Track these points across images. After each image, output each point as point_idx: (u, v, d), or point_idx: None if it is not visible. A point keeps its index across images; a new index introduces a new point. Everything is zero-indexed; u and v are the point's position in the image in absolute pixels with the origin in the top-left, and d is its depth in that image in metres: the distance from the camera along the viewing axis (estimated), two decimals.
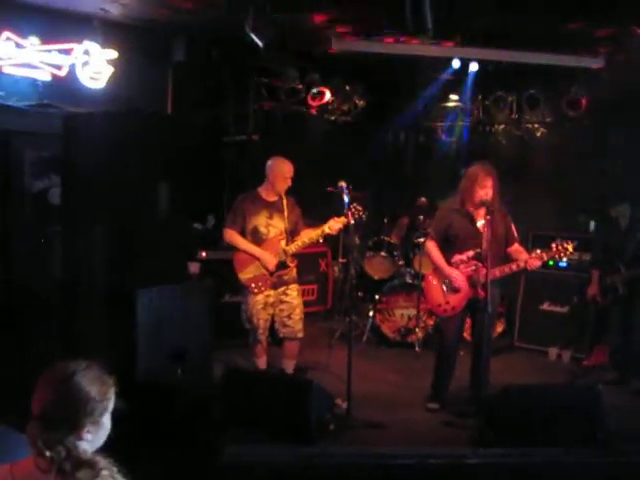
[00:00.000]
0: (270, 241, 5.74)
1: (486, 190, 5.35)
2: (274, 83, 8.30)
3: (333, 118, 9.20)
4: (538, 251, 5.42)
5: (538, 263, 5.38)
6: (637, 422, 5.41)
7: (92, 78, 6.58)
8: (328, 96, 8.64)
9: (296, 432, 4.75)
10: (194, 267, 6.04)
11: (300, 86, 8.26)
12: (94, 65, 6.53)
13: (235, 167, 8.36)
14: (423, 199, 8.52)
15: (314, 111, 8.87)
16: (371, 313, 7.79)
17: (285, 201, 5.83)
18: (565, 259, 5.49)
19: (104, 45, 6.50)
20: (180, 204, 6.83)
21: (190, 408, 5.00)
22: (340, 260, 8.72)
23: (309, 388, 4.89)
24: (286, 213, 5.80)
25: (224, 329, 6.42)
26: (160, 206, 5.90)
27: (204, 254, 6.99)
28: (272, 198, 5.83)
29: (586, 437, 4.76)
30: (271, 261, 5.70)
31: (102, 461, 2.11)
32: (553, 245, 5.37)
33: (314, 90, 8.49)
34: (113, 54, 6.58)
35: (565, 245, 5.33)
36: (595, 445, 4.72)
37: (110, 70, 6.64)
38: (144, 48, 6.93)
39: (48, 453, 2.04)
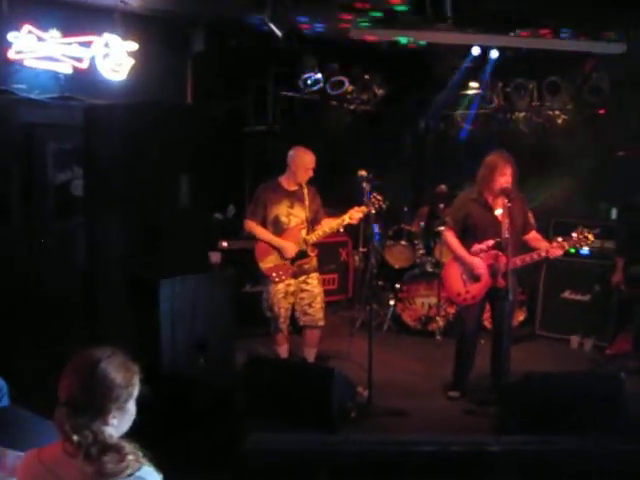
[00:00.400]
0: (291, 230, 5.77)
1: (506, 178, 5.35)
2: (293, 72, 8.29)
3: (352, 107, 9.18)
4: (559, 239, 5.41)
5: (560, 252, 5.36)
6: None
7: (113, 70, 6.63)
8: (347, 85, 8.62)
9: (318, 420, 4.79)
10: (215, 257, 6.08)
11: (319, 75, 8.24)
12: (115, 57, 6.58)
13: (255, 157, 8.39)
14: (443, 187, 8.49)
15: (333, 100, 8.86)
16: (392, 302, 7.81)
17: (306, 190, 5.86)
18: (586, 247, 5.44)
19: (124, 37, 6.54)
20: (201, 194, 6.88)
21: (213, 397, 5.06)
22: (361, 249, 8.72)
23: (331, 376, 4.92)
24: (307, 202, 5.83)
25: (245, 318, 6.45)
26: (181, 196, 5.94)
27: (225, 244, 7.02)
28: (293, 187, 5.85)
29: (608, 425, 4.75)
30: (291, 249, 5.72)
31: (128, 446, 2.16)
32: (574, 234, 5.36)
33: (333, 79, 8.47)
34: (133, 46, 6.62)
35: (586, 234, 5.32)
36: (617, 433, 4.72)
37: (130, 62, 6.69)
38: (163, 39, 6.98)
39: (75, 438, 2.09)
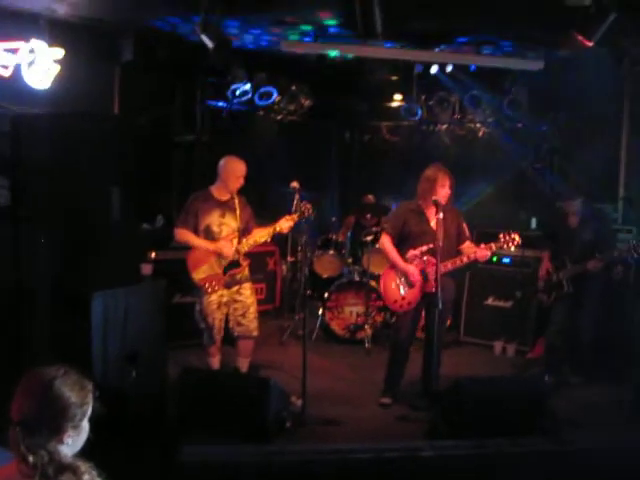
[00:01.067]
0: (223, 240, 5.77)
1: (446, 189, 5.55)
2: (221, 82, 8.30)
3: (280, 117, 9.25)
4: (483, 245, 5.61)
5: (488, 253, 5.59)
6: (579, 411, 5.63)
7: (38, 77, 6.47)
8: (275, 96, 8.69)
9: (253, 430, 4.80)
10: (147, 268, 6.01)
11: (248, 86, 8.28)
12: (40, 64, 6.42)
13: (183, 167, 8.34)
14: (370, 197, 8.67)
15: (261, 111, 8.91)
16: (320, 311, 7.88)
17: (237, 200, 5.87)
18: (513, 248, 5.68)
19: (51, 44, 6.39)
20: (130, 205, 6.80)
21: (146, 410, 5.01)
22: (288, 259, 8.79)
23: (267, 386, 4.95)
24: (238, 212, 5.84)
25: (175, 329, 6.39)
26: (111, 207, 5.86)
27: (154, 255, 6.94)
28: (224, 197, 5.85)
29: (535, 427, 4.96)
30: (228, 249, 5.71)
31: (83, 465, 2.15)
32: (501, 236, 5.60)
33: (261, 90, 8.52)
34: (60, 53, 6.48)
35: (512, 235, 5.58)
36: (543, 434, 4.93)
37: (57, 69, 6.54)
38: (92, 47, 6.86)
39: (31, 458, 2.07)
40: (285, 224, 5.77)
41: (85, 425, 2.25)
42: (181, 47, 7.26)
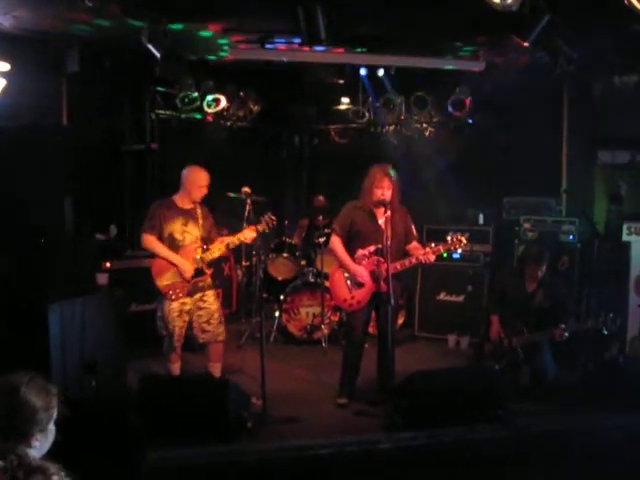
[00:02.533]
0: (186, 248, 5.83)
1: (383, 190, 5.67)
2: (170, 91, 8.35)
3: (229, 124, 9.33)
4: (433, 245, 5.75)
5: (432, 257, 5.68)
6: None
7: None
8: (224, 102, 8.75)
9: (215, 432, 4.88)
10: (102, 278, 6.06)
11: (196, 94, 8.34)
12: None
13: (135, 176, 8.35)
14: (321, 198, 8.80)
15: (211, 118, 8.97)
16: (277, 313, 7.99)
17: (199, 209, 5.95)
18: (460, 250, 5.82)
19: None
20: (83, 215, 6.83)
21: (108, 418, 5.04)
22: (243, 263, 8.87)
23: (226, 388, 5.04)
24: (200, 221, 5.92)
25: (133, 338, 6.41)
26: (64, 218, 5.88)
27: (109, 264, 6.96)
28: (187, 206, 5.92)
29: (488, 415, 5.15)
30: (189, 269, 5.78)
31: (52, 467, 2.22)
32: (448, 238, 5.75)
33: (209, 97, 8.58)
34: (5, 66, 6.46)
35: (459, 237, 5.71)
36: (497, 421, 5.12)
37: (3, 83, 6.52)
38: (37, 60, 6.83)
39: (1, 463, 2.13)
40: (249, 234, 5.86)
41: (52, 428, 2.32)
42: (128, 57, 7.28)
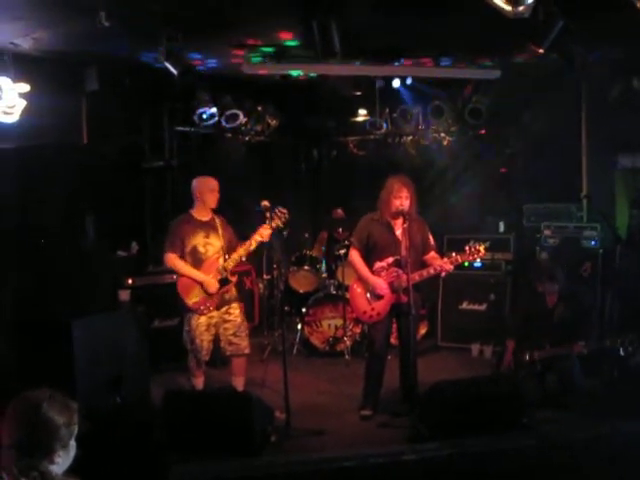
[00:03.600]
0: (209, 260, 5.86)
1: (401, 200, 5.66)
2: (188, 108, 8.42)
3: (248, 139, 9.38)
4: (453, 254, 5.74)
5: (450, 267, 5.69)
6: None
7: (5, 112, 6.51)
8: (241, 117, 8.81)
9: (240, 446, 4.88)
10: (124, 294, 6.11)
11: (214, 109, 8.40)
12: (7, 99, 6.47)
13: (155, 192, 8.42)
14: (339, 211, 8.81)
15: (229, 133, 9.03)
16: (299, 326, 7.99)
17: (218, 220, 5.99)
18: (478, 259, 5.80)
19: (16, 79, 6.46)
20: (104, 232, 6.89)
21: (133, 433, 5.07)
22: (264, 277, 8.90)
23: (250, 402, 5.04)
24: (220, 231, 5.96)
25: (156, 353, 6.45)
26: (86, 236, 5.94)
27: (130, 281, 7.02)
28: (205, 217, 5.96)
29: (513, 423, 5.10)
30: (213, 285, 5.80)
31: None
32: (466, 248, 5.73)
33: (227, 113, 8.64)
34: (25, 87, 6.55)
35: (477, 247, 5.69)
36: (521, 430, 5.07)
37: (23, 103, 6.61)
38: (57, 80, 6.92)
39: (24, 479, 2.15)
40: (265, 232, 5.85)
41: (73, 444, 2.34)
42: (146, 75, 7.36)
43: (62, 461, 2.29)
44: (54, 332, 5.19)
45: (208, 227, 5.94)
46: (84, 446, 2.69)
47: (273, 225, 5.83)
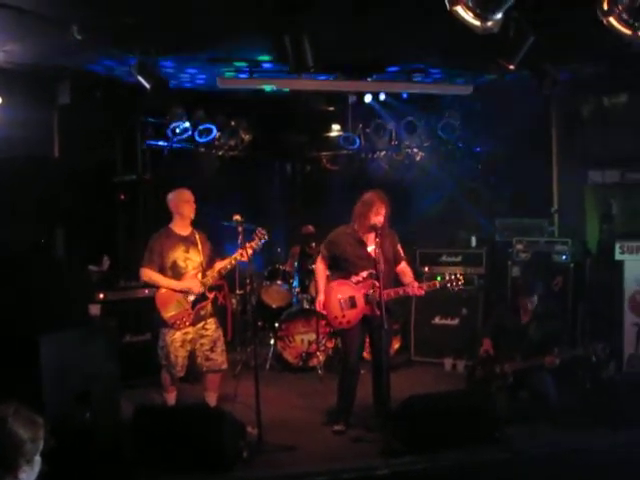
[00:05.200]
0: (188, 274, 5.83)
1: (379, 217, 5.68)
2: (161, 122, 8.39)
3: (221, 153, 9.37)
4: (435, 281, 5.90)
5: (422, 292, 5.79)
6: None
7: None
8: (215, 132, 8.81)
9: (211, 462, 4.84)
10: (95, 309, 6.02)
11: (187, 124, 8.38)
12: None
13: (127, 207, 8.36)
14: (310, 227, 8.83)
15: (202, 147, 9.01)
16: (272, 341, 7.96)
17: (197, 235, 5.98)
18: (456, 289, 5.84)
19: None
20: (75, 246, 6.82)
21: (102, 450, 5.00)
22: (237, 292, 8.86)
23: (221, 417, 5.00)
24: (200, 246, 5.94)
25: (127, 369, 6.37)
26: (56, 250, 5.87)
27: (102, 295, 6.94)
28: (185, 232, 5.95)
29: (485, 437, 5.11)
30: (195, 285, 5.79)
31: None
32: (446, 275, 5.84)
33: (200, 127, 8.63)
34: None
35: (458, 276, 5.79)
36: (494, 443, 5.08)
37: None
38: (28, 92, 6.87)
39: None
40: (246, 252, 5.84)
41: (38, 459, 2.30)
42: (118, 89, 7.34)
43: (26, 476, 2.24)
44: (21, 348, 5.09)
45: (188, 242, 5.92)
46: (52, 462, 2.65)
47: (254, 245, 5.83)
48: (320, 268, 5.99)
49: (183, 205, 5.91)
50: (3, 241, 5.52)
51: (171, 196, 5.99)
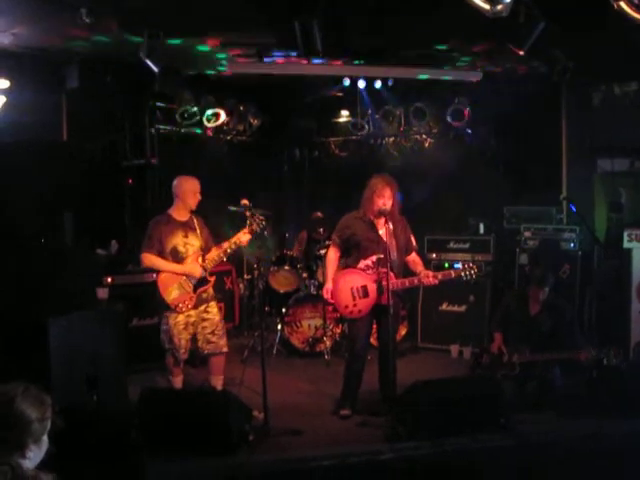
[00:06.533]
0: (189, 259, 5.85)
1: (384, 200, 5.66)
2: (170, 106, 8.39)
3: (229, 138, 9.37)
4: (452, 271, 5.92)
5: (436, 282, 5.73)
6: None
7: None
8: (223, 117, 8.80)
9: (217, 445, 4.86)
10: (102, 293, 6.05)
11: (195, 108, 8.38)
12: None
13: (135, 191, 8.37)
14: (318, 213, 8.82)
15: (210, 132, 9.00)
16: (279, 326, 7.97)
17: (196, 220, 5.98)
18: (470, 278, 5.83)
19: None
20: (83, 230, 6.84)
21: (110, 433, 5.03)
22: (245, 277, 8.88)
23: (227, 400, 5.03)
24: (199, 231, 5.95)
25: (134, 352, 6.40)
26: (64, 234, 5.89)
27: (110, 279, 6.96)
28: (184, 218, 5.94)
29: (490, 423, 5.12)
30: (196, 269, 5.80)
31: (45, 476, 2.22)
32: (460, 264, 5.83)
33: (209, 112, 8.62)
34: (5, 83, 6.51)
35: (472, 266, 5.77)
36: (499, 430, 5.09)
37: (3, 99, 6.56)
38: (37, 76, 6.87)
39: None
40: (243, 237, 5.87)
41: (45, 439, 2.32)
42: (127, 73, 7.32)
43: (33, 456, 2.26)
44: (31, 331, 5.13)
45: (186, 227, 5.93)
46: (60, 445, 2.68)
47: (252, 230, 5.84)
48: (331, 256, 5.95)
49: (189, 194, 5.90)
50: (11, 225, 5.53)
51: (177, 182, 5.96)
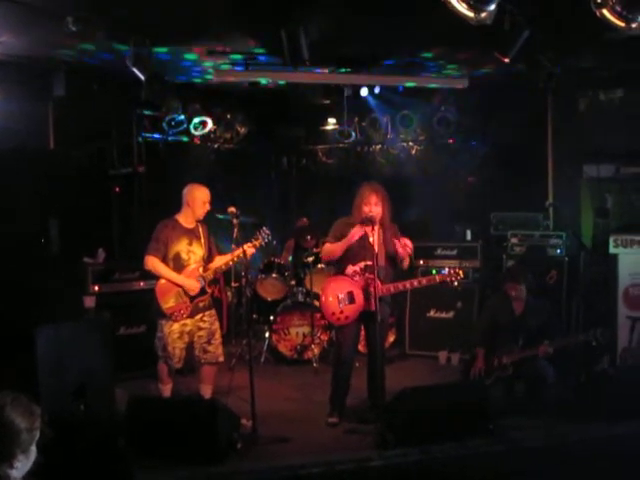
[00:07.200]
0: (190, 267, 5.83)
1: (370, 207, 5.67)
2: (156, 114, 8.38)
3: (216, 146, 9.37)
4: (434, 272, 6.10)
5: (425, 283, 5.84)
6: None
7: None
8: (210, 125, 8.81)
9: (205, 453, 4.84)
10: (89, 301, 6.04)
11: (182, 116, 8.38)
12: None
13: (122, 199, 8.35)
14: (304, 220, 8.84)
15: (197, 140, 9.01)
16: (267, 334, 7.96)
17: (201, 228, 5.96)
18: (456, 283, 5.86)
19: None
20: (70, 239, 6.81)
21: (97, 442, 5.00)
22: (233, 285, 8.87)
23: (214, 408, 5.01)
24: (203, 240, 5.92)
25: (121, 361, 6.37)
26: (51, 242, 5.86)
27: (97, 288, 6.93)
28: (190, 225, 5.91)
29: (479, 429, 5.13)
30: (195, 286, 5.78)
31: None
32: (445, 270, 5.91)
33: (196, 120, 8.63)
34: None
35: (457, 270, 5.84)
36: (489, 436, 5.10)
37: None
38: (24, 84, 6.86)
39: None
40: (248, 250, 5.85)
41: (33, 449, 2.30)
42: (114, 81, 7.32)
43: (21, 466, 2.25)
44: (17, 340, 5.11)
45: (192, 235, 5.89)
46: (48, 453, 2.66)
47: (256, 244, 5.85)
48: (328, 245, 5.90)
49: (200, 204, 5.86)
50: None
51: (189, 189, 5.91)
